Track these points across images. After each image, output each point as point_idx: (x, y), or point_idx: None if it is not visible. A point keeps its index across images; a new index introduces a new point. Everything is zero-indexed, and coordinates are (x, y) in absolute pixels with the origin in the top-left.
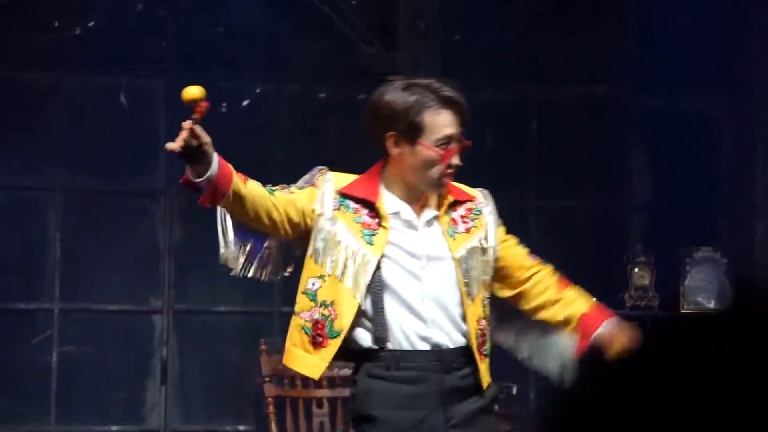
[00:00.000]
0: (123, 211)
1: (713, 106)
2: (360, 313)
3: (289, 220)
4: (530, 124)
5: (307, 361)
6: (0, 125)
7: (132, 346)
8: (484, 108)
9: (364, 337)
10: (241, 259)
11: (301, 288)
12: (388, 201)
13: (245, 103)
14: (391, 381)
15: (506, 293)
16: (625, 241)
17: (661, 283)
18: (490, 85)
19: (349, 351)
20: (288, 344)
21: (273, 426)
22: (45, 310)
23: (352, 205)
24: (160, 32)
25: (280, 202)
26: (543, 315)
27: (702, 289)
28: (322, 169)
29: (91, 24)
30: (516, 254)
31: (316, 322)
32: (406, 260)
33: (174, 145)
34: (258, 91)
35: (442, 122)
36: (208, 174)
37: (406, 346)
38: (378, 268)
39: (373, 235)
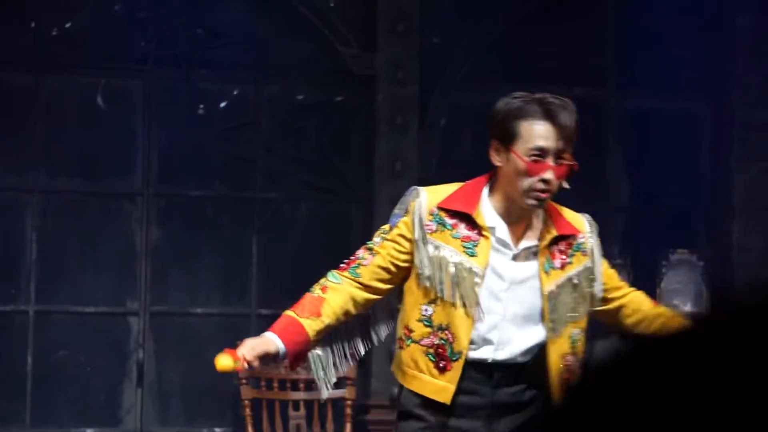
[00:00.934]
0: (100, 212)
1: (691, 108)
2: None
3: (386, 281)
4: None
5: (435, 385)
6: None
7: (108, 348)
8: (463, 110)
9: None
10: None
11: (414, 316)
12: (488, 213)
13: (224, 104)
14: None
15: (605, 312)
16: (603, 242)
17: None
18: (469, 86)
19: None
20: (410, 371)
21: (250, 428)
22: (20, 312)
23: (449, 221)
24: (139, 33)
25: (366, 279)
26: (647, 328)
27: (678, 292)
28: (415, 191)
29: (70, 24)
30: (611, 274)
31: (437, 347)
32: (493, 278)
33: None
34: (237, 92)
35: (537, 133)
36: (281, 356)
37: (467, 356)
38: (484, 277)
39: (476, 245)
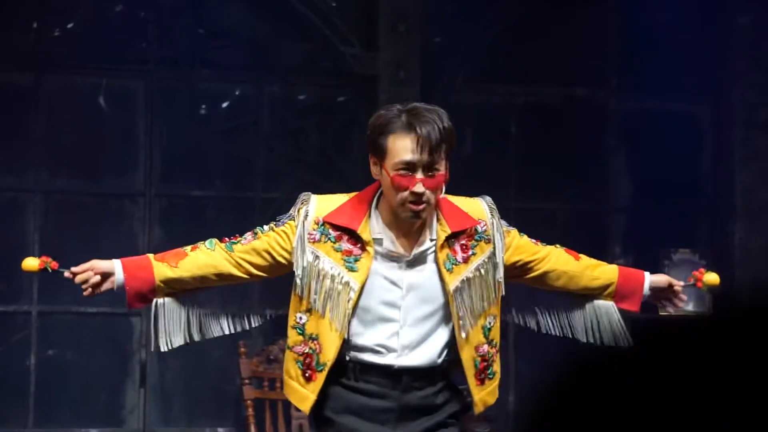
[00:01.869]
0: (102, 212)
1: (693, 109)
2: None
3: (257, 266)
4: (511, 126)
5: (300, 393)
6: None
7: (111, 349)
8: (465, 110)
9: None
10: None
11: (290, 322)
12: (375, 224)
13: (226, 104)
14: (351, 390)
15: (530, 280)
16: (604, 242)
17: None
18: (470, 86)
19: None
20: (285, 376)
21: (252, 428)
22: (23, 312)
23: (334, 233)
24: (141, 33)
25: (238, 255)
26: (576, 286)
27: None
28: (305, 199)
29: (71, 25)
30: (523, 245)
31: (306, 356)
32: (386, 287)
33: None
34: (238, 92)
35: (401, 147)
36: (116, 285)
37: (369, 361)
38: (361, 292)
39: (357, 260)
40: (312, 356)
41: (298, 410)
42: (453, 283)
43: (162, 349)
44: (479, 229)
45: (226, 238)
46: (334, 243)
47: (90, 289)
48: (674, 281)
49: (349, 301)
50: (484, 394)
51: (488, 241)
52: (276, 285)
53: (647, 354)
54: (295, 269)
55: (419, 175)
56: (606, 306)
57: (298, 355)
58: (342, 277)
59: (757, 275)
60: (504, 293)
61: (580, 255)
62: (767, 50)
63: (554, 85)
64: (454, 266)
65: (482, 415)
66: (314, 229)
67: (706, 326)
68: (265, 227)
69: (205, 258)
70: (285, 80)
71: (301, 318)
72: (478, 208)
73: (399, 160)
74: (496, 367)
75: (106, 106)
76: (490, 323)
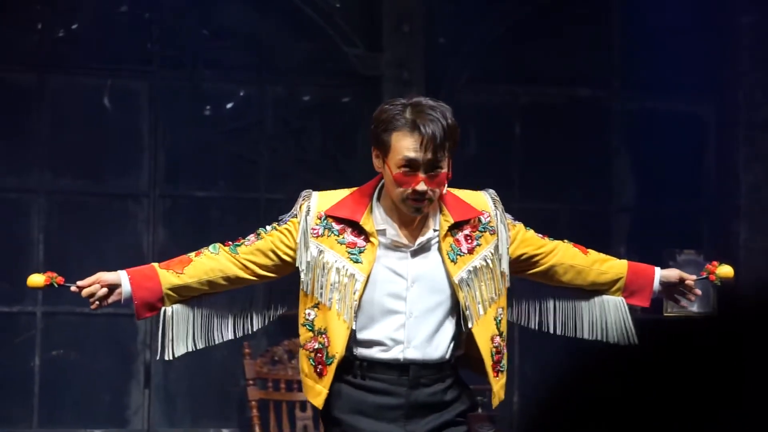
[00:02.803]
0: (106, 213)
1: (697, 109)
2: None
3: (263, 266)
4: (514, 126)
5: (315, 390)
6: None
7: (115, 350)
8: (468, 110)
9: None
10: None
11: (300, 320)
12: (378, 216)
13: (230, 105)
14: (358, 389)
15: (537, 275)
16: (609, 243)
17: None
18: (474, 87)
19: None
20: (301, 375)
21: (257, 429)
22: (28, 313)
23: (336, 226)
24: (145, 34)
25: (244, 257)
26: (584, 281)
27: None
28: (306, 195)
29: (75, 26)
30: (529, 239)
31: (317, 352)
32: (391, 279)
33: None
34: (242, 93)
35: (404, 145)
36: (124, 297)
37: (376, 357)
38: (367, 283)
39: (361, 252)
40: (322, 351)
41: (303, 411)
42: (457, 273)
43: (167, 359)
44: (483, 219)
45: (229, 242)
46: (338, 236)
47: (97, 302)
48: (686, 275)
49: (355, 292)
50: (498, 388)
51: (492, 233)
52: (278, 286)
53: (650, 355)
54: (299, 264)
55: (422, 174)
56: (615, 301)
57: (309, 352)
58: (347, 270)
59: (760, 275)
60: (509, 286)
61: (588, 249)
62: None
63: (557, 85)
64: (458, 257)
65: (486, 415)
66: (317, 224)
67: (709, 326)
68: (268, 227)
69: (211, 262)
70: (289, 81)
71: (309, 314)
72: (482, 200)
73: (402, 158)
74: (506, 360)
75: (110, 107)
76: (500, 314)
